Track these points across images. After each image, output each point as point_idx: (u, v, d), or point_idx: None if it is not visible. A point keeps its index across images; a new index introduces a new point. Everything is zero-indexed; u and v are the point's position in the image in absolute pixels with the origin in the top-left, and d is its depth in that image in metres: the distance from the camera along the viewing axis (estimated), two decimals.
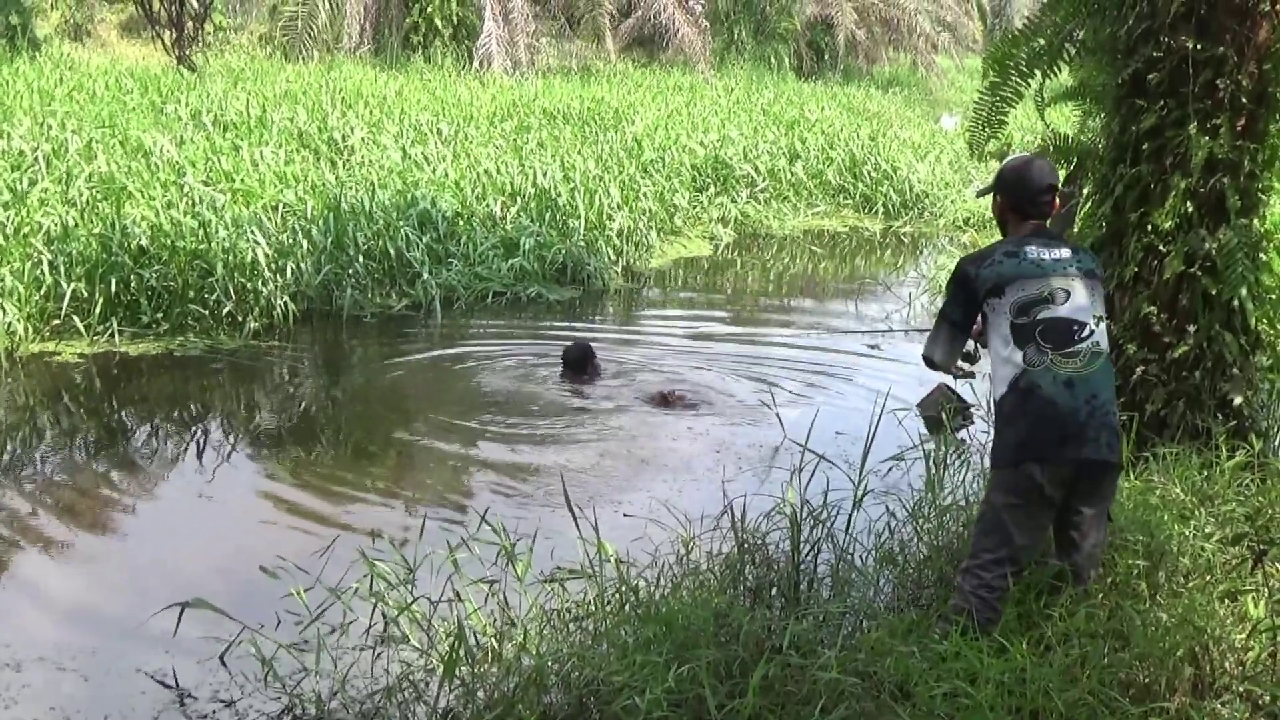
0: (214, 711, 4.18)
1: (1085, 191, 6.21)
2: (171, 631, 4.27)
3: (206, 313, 8.88)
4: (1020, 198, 4.26)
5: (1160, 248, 5.37)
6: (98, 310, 8.54)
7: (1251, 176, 5.34)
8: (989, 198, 4.41)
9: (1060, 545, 4.15)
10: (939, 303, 10.81)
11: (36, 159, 10.51)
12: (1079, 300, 4.04)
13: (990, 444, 4.20)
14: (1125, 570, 4.27)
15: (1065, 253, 4.14)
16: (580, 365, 8.28)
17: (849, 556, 4.71)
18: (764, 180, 15.87)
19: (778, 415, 5.77)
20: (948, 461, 5.51)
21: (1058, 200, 4.31)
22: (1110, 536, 4.32)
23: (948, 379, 7.11)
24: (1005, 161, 4.41)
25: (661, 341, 9.70)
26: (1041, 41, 6.14)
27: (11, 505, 5.93)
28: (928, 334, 4.42)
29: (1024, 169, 4.28)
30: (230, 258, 9.06)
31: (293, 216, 10.20)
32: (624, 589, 4.27)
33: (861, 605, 4.42)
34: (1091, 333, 4.02)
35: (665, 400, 7.76)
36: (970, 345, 4.54)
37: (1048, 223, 4.28)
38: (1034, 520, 4.01)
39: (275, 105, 14.83)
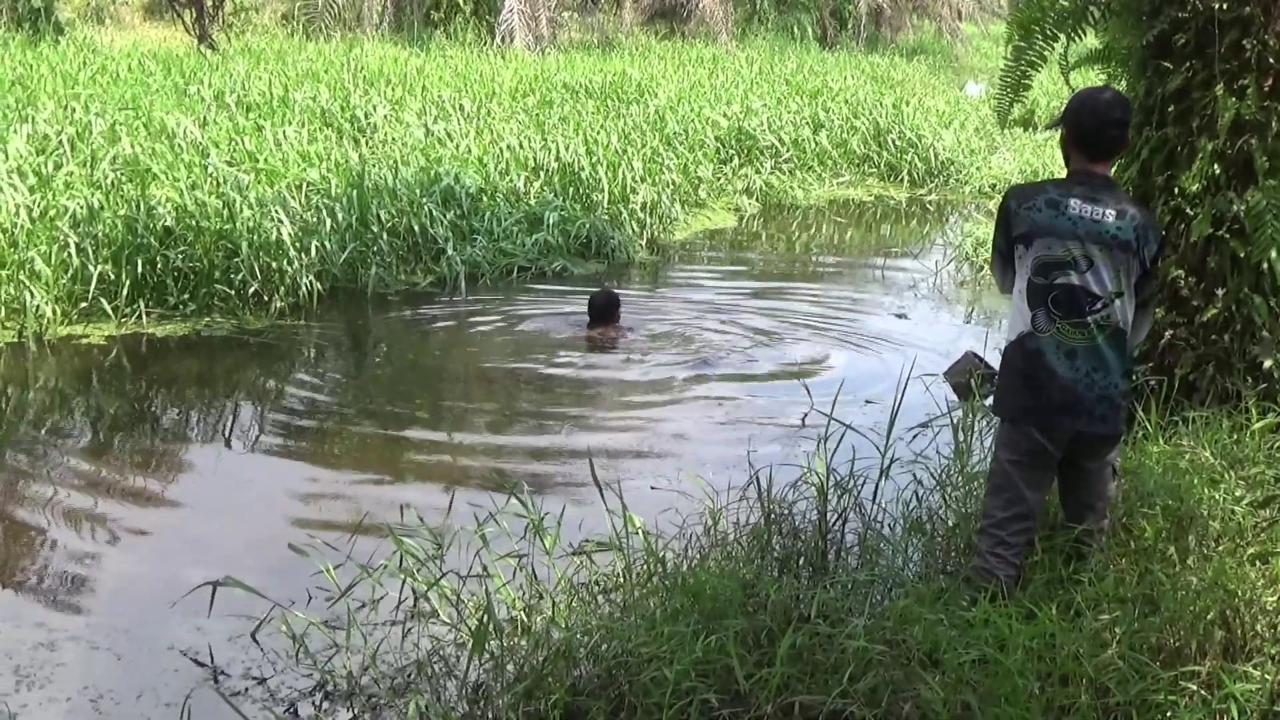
0: (246, 688, 4.22)
1: None
2: (203, 610, 4.29)
3: (232, 293, 8.89)
4: (1084, 129, 4.02)
5: (1188, 210, 5.31)
6: (125, 292, 8.56)
7: (1279, 137, 5.27)
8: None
9: (1066, 502, 4.21)
10: (965, 271, 10.86)
11: (61, 142, 10.52)
12: (1101, 272, 3.96)
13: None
14: (1154, 535, 4.25)
15: (1109, 214, 3.95)
16: (606, 313, 8.18)
17: (877, 525, 4.71)
18: (788, 150, 15.79)
19: (804, 385, 5.76)
20: (976, 428, 5.48)
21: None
22: (1138, 502, 4.31)
23: (976, 345, 7.09)
24: (1076, 91, 4.22)
25: (687, 313, 9.68)
26: (1066, 4, 6.07)
27: (42, 488, 5.98)
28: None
29: (1091, 99, 4.05)
30: (255, 237, 9.06)
31: (317, 195, 10.19)
32: (652, 561, 4.28)
33: (889, 573, 4.42)
34: (1105, 306, 3.95)
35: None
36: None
37: (1112, 167, 4.11)
38: (1039, 477, 4.07)
39: (298, 85, 14.84)
